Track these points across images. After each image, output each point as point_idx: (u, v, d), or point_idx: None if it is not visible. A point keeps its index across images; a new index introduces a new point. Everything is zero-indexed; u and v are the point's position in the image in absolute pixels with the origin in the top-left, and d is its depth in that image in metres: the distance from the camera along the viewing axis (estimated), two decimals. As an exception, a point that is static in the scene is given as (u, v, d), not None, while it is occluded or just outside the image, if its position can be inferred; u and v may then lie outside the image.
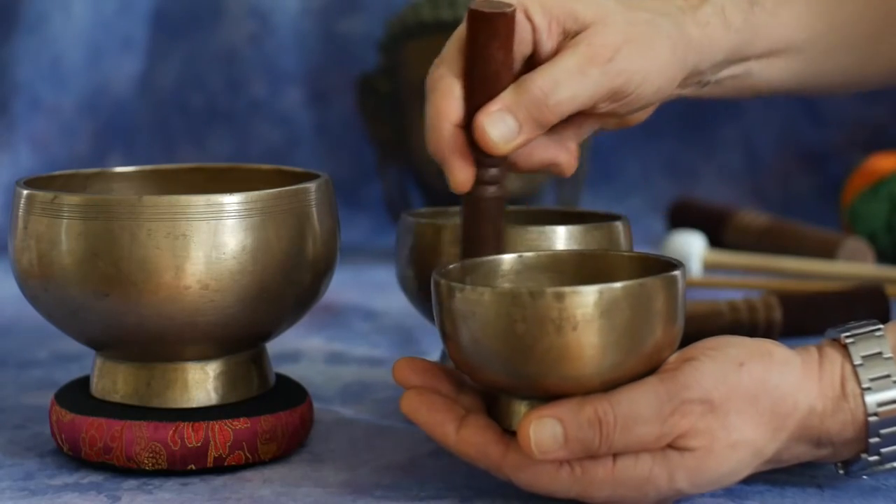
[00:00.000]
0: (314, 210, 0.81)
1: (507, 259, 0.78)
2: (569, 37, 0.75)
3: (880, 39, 0.88)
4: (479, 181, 0.75)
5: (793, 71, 0.86)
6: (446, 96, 0.74)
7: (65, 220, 0.77)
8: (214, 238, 0.76)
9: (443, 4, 1.43)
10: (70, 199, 0.77)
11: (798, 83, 0.87)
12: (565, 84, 0.73)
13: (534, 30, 0.75)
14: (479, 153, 0.74)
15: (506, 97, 0.73)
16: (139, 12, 1.62)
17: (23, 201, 0.80)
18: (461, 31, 0.75)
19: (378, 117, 1.51)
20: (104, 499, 0.75)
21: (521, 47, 0.75)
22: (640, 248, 0.87)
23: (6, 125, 1.58)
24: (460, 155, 0.74)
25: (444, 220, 0.87)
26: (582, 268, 0.77)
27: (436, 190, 1.46)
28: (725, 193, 1.63)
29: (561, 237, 0.83)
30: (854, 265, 1.28)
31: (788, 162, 1.65)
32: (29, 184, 0.82)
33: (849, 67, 0.88)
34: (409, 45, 1.45)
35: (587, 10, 0.75)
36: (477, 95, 0.74)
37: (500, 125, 0.73)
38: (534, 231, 0.82)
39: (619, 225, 0.85)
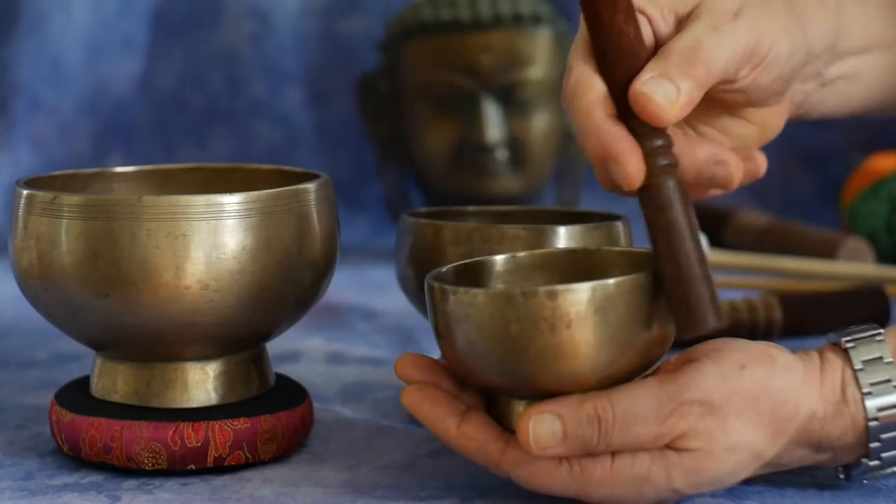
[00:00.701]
0: (314, 210, 0.81)
1: (500, 259, 0.77)
2: (683, 19, 0.74)
3: None
4: (654, 170, 0.70)
5: (886, 71, 0.84)
6: (589, 93, 0.71)
7: (65, 220, 0.77)
8: (214, 238, 0.76)
9: (443, 4, 1.43)
10: (70, 199, 0.77)
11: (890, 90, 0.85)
12: (706, 41, 0.72)
13: (649, 20, 0.74)
14: (643, 141, 0.70)
15: (655, 64, 0.71)
16: (139, 12, 1.62)
17: (23, 201, 0.79)
18: (580, 38, 0.73)
19: (378, 117, 1.51)
20: (104, 499, 0.75)
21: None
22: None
23: (6, 125, 1.58)
24: (627, 144, 0.70)
25: (444, 220, 0.87)
26: (575, 265, 0.77)
27: (436, 190, 1.46)
28: (725, 193, 1.63)
29: (561, 237, 0.83)
30: (854, 265, 1.28)
31: (788, 162, 1.65)
32: (29, 184, 0.82)
33: None
34: (410, 45, 1.45)
35: None
36: (619, 77, 0.71)
37: (661, 88, 0.70)
38: (534, 231, 0.82)
39: (618, 225, 0.85)
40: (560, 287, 0.69)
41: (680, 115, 0.71)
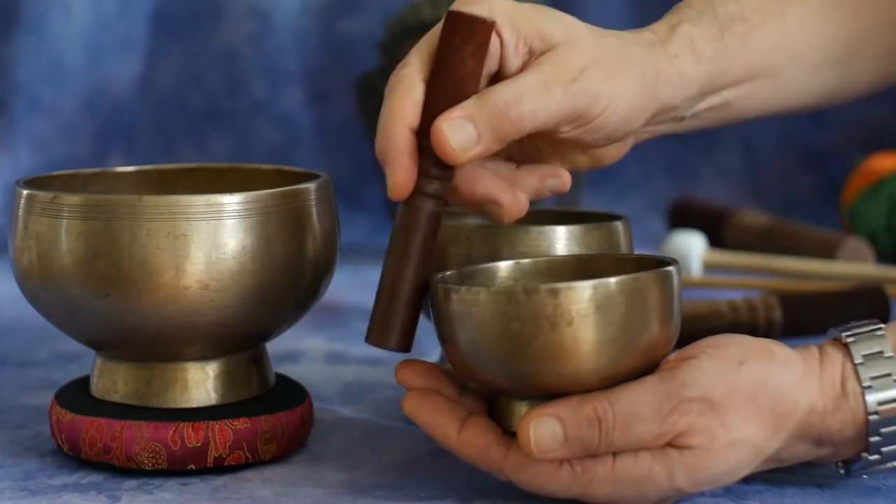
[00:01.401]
0: (314, 210, 0.81)
1: (504, 266, 0.78)
2: (535, 56, 0.74)
3: (860, 53, 0.88)
4: (421, 192, 0.73)
5: (772, 94, 0.85)
6: (406, 97, 0.73)
7: (65, 220, 0.77)
8: (214, 238, 0.76)
9: (443, 4, 1.43)
10: (70, 199, 0.77)
11: (779, 105, 0.86)
12: (528, 99, 0.72)
13: (501, 45, 0.74)
14: (427, 163, 0.72)
15: (468, 106, 0.72)
16: (139, 12, 1.62)
17: (23, 201, 0.79)
18: (433, 34, 0.74)
19: (378, 117, 1.50)
20: (104, 499, 0.75)
21: (488, 62, 0.74)
22: (640, 248, 0.87)
23: (6, 125, 1.58)
24: (407, 159, 0.72)
25: (445, 220, 0.87)
26: (579, 272, 0.77)
27: None
28: (726, 193, 1.63)
29: (561, 237, 0.82)
30: (854, 265, 1.28)
31: (789, 162, 1.65)
32: (29, 184, 0.82)
33: (830, 83, 0.88)
34: (410, 45, 1.44)
35: (555, 31, 0.74)
36: (439, 101, 0.72)
37: (460, 132, 0.71)
38: (533, 231, 0.82)
39: (619, 225, 0.85)
40: (562, 285, 0.69)
41: (471, 161, 0.72)
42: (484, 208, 0.76)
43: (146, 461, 0.78)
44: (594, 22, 0.78)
